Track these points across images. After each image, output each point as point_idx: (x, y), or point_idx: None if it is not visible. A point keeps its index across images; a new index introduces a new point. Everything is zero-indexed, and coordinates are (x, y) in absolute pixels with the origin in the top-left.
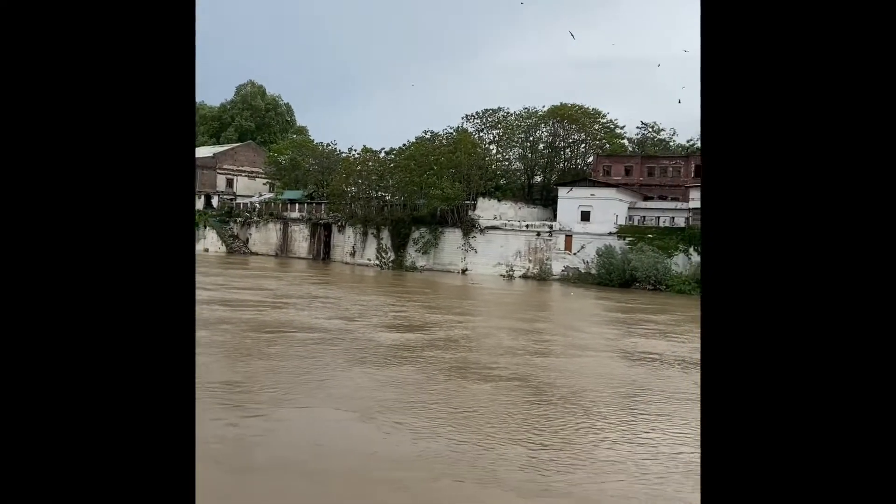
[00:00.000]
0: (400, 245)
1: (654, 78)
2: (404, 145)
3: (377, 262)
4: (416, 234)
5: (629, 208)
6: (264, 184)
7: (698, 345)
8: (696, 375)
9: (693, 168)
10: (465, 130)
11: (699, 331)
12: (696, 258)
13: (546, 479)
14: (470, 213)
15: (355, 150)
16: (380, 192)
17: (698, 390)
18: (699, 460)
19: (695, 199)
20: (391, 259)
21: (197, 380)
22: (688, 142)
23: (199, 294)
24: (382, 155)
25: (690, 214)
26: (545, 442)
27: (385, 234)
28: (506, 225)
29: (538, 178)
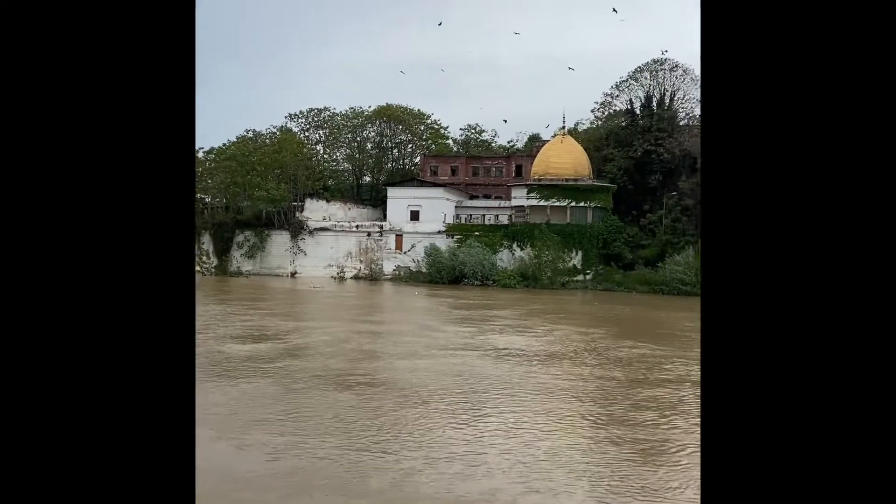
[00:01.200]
0: (223, 249)
1: (474, 80)
2: (224, 145)
3: (198, 268)
4: (240, 238)
5: (456, 207)
6: None
7: (551, 338)
8: (556, 369)
9: (514, 167)
10: (290, 130)
11: (548, 324)
12: (518, 253)
13: (413, 484)
14: (298, 214)
15: None
16: (198, 194)
17: (560, 383)
18: (571, 451)
19: (517, 198)
20: (214, 265)
21: None
22: (508, 143)
23: None
24: (201, 155)
25: (513, 212)
26: (412, 447)
27: (206, 239)
28: (336, 226)
29: (367, 179)
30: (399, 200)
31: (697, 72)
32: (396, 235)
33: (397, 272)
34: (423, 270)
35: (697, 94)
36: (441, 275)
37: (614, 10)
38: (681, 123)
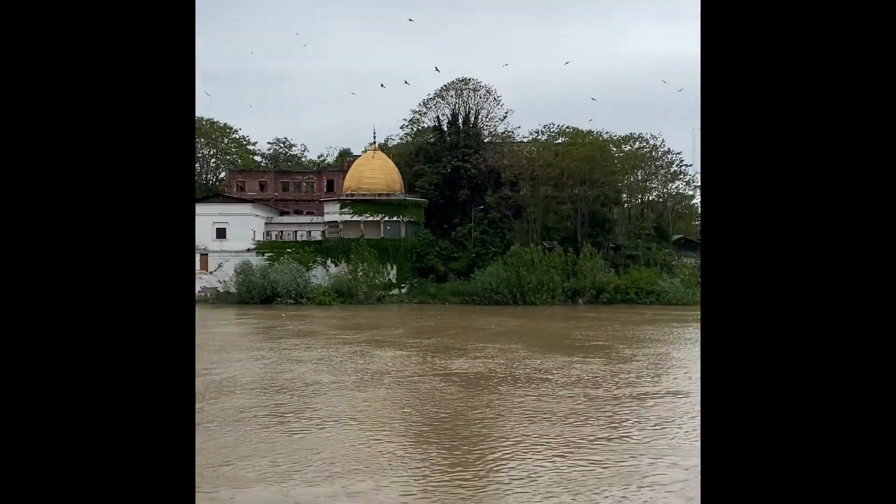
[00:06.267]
0: None
1: (283, 92)
2: None
3: None
4: None
5: (266, 223)
6: None
7: (504, 359)
8: (524, 389)
9: (325, 183)
10: None
11: (480, 342)
12: (333, 269)
13: None
14: None
15: None
16: None
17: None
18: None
19: (329, 213)
20: None
21: None
22: (319, 157)
23: None
24: None
25: (326, 227)
26: None
27: None
28: None
29: None
30: (203, 218)
31: (500, 91)
32: (201, 255)
33: (204, 294)
34: (232, 290)
35: (500, 112)
36: (252, 294)
37: (410, 19)
38: (485, 141)
